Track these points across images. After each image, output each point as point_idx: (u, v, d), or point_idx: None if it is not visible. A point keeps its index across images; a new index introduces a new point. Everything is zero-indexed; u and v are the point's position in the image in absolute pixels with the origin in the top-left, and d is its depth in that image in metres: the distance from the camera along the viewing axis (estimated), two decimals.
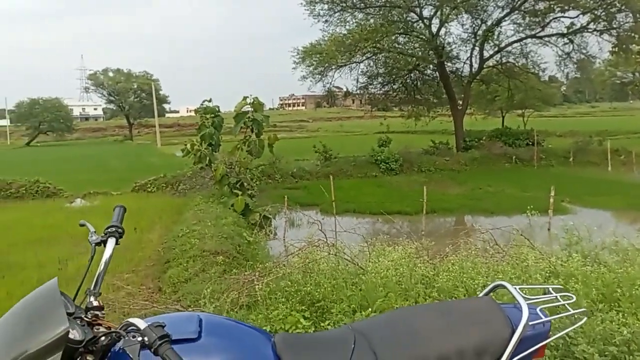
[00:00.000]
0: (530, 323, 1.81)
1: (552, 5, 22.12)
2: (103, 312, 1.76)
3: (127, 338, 1.49)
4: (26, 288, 7.71)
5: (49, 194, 17.75)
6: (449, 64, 26.68)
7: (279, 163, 20.78)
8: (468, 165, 23.15)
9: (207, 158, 13.82)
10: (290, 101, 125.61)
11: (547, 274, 4.48)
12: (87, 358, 1.56)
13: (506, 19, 24.34)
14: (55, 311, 1.55)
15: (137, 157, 32.82)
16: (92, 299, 1.79)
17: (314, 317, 4.43)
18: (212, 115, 14.70)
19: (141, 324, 1.50)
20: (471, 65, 26.44)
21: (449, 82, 26.29)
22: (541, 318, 1.88)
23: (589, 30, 23.01)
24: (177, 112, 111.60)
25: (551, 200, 11.14)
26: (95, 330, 1.64)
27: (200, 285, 6.71)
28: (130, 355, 1.42)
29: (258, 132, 12.94)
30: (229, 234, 9.14)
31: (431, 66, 26.92)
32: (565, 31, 23.55)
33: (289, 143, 28.58)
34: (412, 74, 27.99)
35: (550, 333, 1.91)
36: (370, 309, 3.93)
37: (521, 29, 24.66)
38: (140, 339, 1.46)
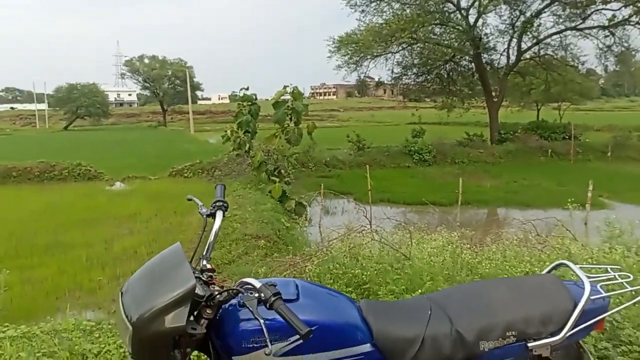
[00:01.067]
0: (592, 297, 1.97)
1: None
2: (215, 273, 1.98)
3: (244, 294, 1.70)
4: (76, 266, 8.14)
5: (90, 177, 18.33)
6: (485, 56, 26.40)
7: (313, 152, 20.97)
8: (502, 157, 22.99)
9: (247, 145, 14.08)
10: (321, 90, 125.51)
11: (603, 264, 4.56)
12: (207, 311, 1.80)
13: (546, 10, 23.96)
14: (183, 269, 1.78)
15: (171, 142, 33.39)
16: (205, 262, 2.01)
17: (362, 298, 4.61)
18: (249, 103, 14.92)
19: (256, 283, 1.72)
20: (508, 57, 26.15)
21: (485, 74, 26.04)
22: (601, 294, 2.03)
23: (632, 22, 22.50)
24: (209, 99, 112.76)
25: (589, 194, 11.09)
26: (212, 288, 1.87)
27: (244, 267, 6.97)
28: (250, 308, 1.63)
29: (297, 120, 13.12)
30: (268, 219, 9.39)
31: (467, 57, 26.69)
32: (606, 24, 23.08)
33: (321, 132, 28.53)
34: (447, 65, 27.80)
35: (609, 308, 2.06)
36: (419, 291, 4.08)
37: (561, 20, 24.24)
38: (256, 295, 1.67)
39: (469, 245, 5.88)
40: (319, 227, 9.54)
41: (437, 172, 19.88)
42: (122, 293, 1.86)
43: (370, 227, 6.44)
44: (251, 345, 1.80)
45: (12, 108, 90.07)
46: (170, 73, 60.66)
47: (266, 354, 1.71)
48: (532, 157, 23.34)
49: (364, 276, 4.80)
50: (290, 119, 13.18)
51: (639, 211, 12.00)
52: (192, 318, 1.79)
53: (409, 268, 4.90)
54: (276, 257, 6.90)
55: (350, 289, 4.72)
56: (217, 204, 2.24)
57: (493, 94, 26.69)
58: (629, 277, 2.10)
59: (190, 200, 2.41)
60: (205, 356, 1.98)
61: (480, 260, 5.20)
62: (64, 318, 4.76)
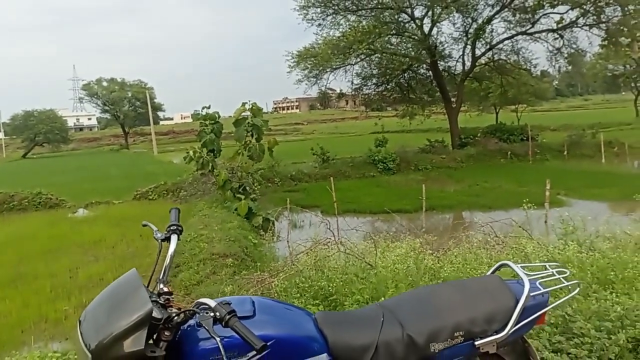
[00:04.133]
0: (532, 294, 2.10)
1: (541, 2, 22.42)
2: (172, 296, 2.04)
3: (200, 314, 1.77)
4: (40, 297, 8.00)
5: (51, 205, 17.94)
6: (442, 63, 27.00)
7: (278, 167, 21.02)
8: (464, 162, 23.45)
9: (210, 164, 14.06)
10: (284, 104, 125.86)
11: (545, 261, 4.76)
12: (166, 333, 1.85)
13: (496, 16, 24.66)
14: (139, 294, 1.84)
15: (134, 165, 33.00)
16: (162, 285, 2.07)
17: (328, 310, 4.68)
18: (212, 121, 14.91)
19: (211, 302, 1.78)
20: (464, 63, 26.80)
21: (442, 81, 26.59)
22: (540, 290, 2.17)
23: (579, 25, 23.33)
24: (172, 119, 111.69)
25: (547, 193, 11.42)
26: (169, 311, 1.93)
27: (212, 286, 6.95)
28: (206, 328, 1.70)
29: (258, 136, 13.18)
30: (235, 237, 9.38)
31: (424, 65, 27.21)
32: (555, 27, 23.88)
33: (285, 146, 28.79)
34: (405, 74, 28.29)
35: (549, 303, 2.20)
36: (382, 299, 4.17)
37: (512, 26, 24.98)
38: (212, 314, 1.73)
39: (431, 251, 6.05)
40: (287, 242, 9.61)
41: (401, 179, 20.13)
42: (80, 322, 1.91)
43: (336, 238, 6.53)
44: None
45: None
46: (130, 95, 60.07)
47: None
48: (493, 159, 23.87)
49: (330, 288, 4.88)
50: (252, 135, 13.23)
51: (594, 206, 12.40)
52: (151, 341, 1.85)
53: (374, 277, 5.01)
54: (244, 275, 6.92)
55: (317, 302, 4.80)
56: (172, 227, 2.31)
57: (452, 99, 27.24)
58: (566, 272, 2.23)
59: (145, 226, 2.48)
60: None
61: (442, 265, 5.35)
62: (29, 351, 4.70)
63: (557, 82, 62.29)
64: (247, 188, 13.36)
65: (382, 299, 4.23)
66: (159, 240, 2.26)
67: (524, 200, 7.04)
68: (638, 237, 5.73)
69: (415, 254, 5.77)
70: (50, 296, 8.00)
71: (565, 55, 25.25)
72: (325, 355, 2.01)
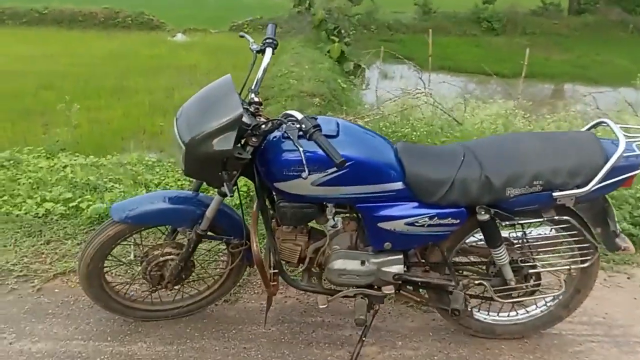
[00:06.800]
0: (625, 155, 1.99)
1: None
2: (262, 106, 2.12)
3: (287, 124, 1.84)
4: (140, 110, 8.52)
5: (152, 27, 18.42)
6: None
7: (377, 13, 20.17)
8: (578, 30, 21.41)
9: (307, 2, 13.67)
10: None
11: None
12: (253, 139, 1.97)
13: None
14: (232, 99, 1.93)
15: None
16: (252, 95, 2.15)
17: None
18: None
19: (298, 115, 1.84)
20: None
21: None
22: (635, 152, 2.05)
23: None
24: None
25: None
26: (258, 119, 2.02)
27: None
28: (291, 138, 1.78)
29: None
30: (325, 78, 9.36)
31: None
32: None
33: None
34: None
35: None
36: None
37: None
38: (298, 126, 1.80)
39: (525, 115, 5.82)
40: (376, 90, 9.52)
41: (504, 42, 18.86)
42: (176, 118, 2.04)
43: (426, 90, 6.38)
44: (291, 174, 1.97)
45: None
46: None
47: (303, 178, 1.85)
48: (611, 31, 21.57)
49: (412, 136, 4.89)
50: None
51: None
52: (239, 145, 1.96)
53: (459, 132, 4.95)
54: (329, 115, 7.02)
55: None
56: (267, 41, 2.32)
57: None
58: None
59: (242, 37, 2.50)
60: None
61: (532, 129, 5.17)
62: (129, 154, 5.12)
63: None
64: (342, 31, 13.02)
65: None
66: (254, 52, 2.29)
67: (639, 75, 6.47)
68: None
69: (506, 115, 5.58)
70: (148, 111, 8.49)
71: None
72: (400, 183, 2.06)
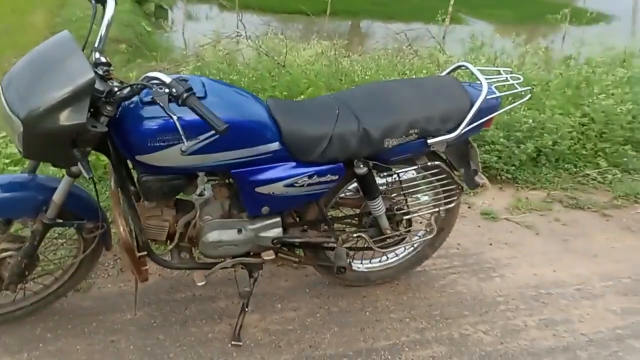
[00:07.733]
0: (488, 97, 2.07)
1: None
2: (111, 67, 1.76)
3: (154, 89, 1.53)
4: None
5: None
6: None
7: None
8: None
9: None
10: None
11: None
12: (107, 109, 1.62)
13: None
14: (78, 61, 1.56)
15: None
16: (98, 55, 1.77)
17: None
18: None
19: (166, 78, 1.55)
20: None
21: None
22: (495, 94, 2.14)
23: None
24: None
25: (449, 9, 11.38)
26: (110, 84, 1.67)
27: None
28: (162, 105, 1.49)
29: None
30: (128, 22, 8.56)
31: None
32: None
33: None
34: None
35: (499, 108, 2.20)
36: (302, 97, 4.09)
37: None
38: (167, 91, 1.51)
39: (344, 54, 5.93)
40: (182, 33, 8.96)
41: None
42: (2, 88, 1.60)
43: (245, 33, 6.13)
44: (157, 144, 1.70)
45: None
46: None
47: (182, 151, 1.64)
48: None
49: (241, 82, 4.68)
50: None
51: (491, 28, 12.67)
52: (89, 115, 1.60)
53: (287, 75, 4.86)
54: (141, 63, 6.46)
55: None
56: None
57: None
58: (519, 78, 2.20)
59: None
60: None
61: (354, 69, 5.27)
62: None
63: None
64: None
65: (302, 97, 4.14)
66: (93, 3, 1.88)
67: (439, 12, 6.95)
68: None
69: (328, 56, 5.61)
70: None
71: None
72: (277, 143, 1.90)
